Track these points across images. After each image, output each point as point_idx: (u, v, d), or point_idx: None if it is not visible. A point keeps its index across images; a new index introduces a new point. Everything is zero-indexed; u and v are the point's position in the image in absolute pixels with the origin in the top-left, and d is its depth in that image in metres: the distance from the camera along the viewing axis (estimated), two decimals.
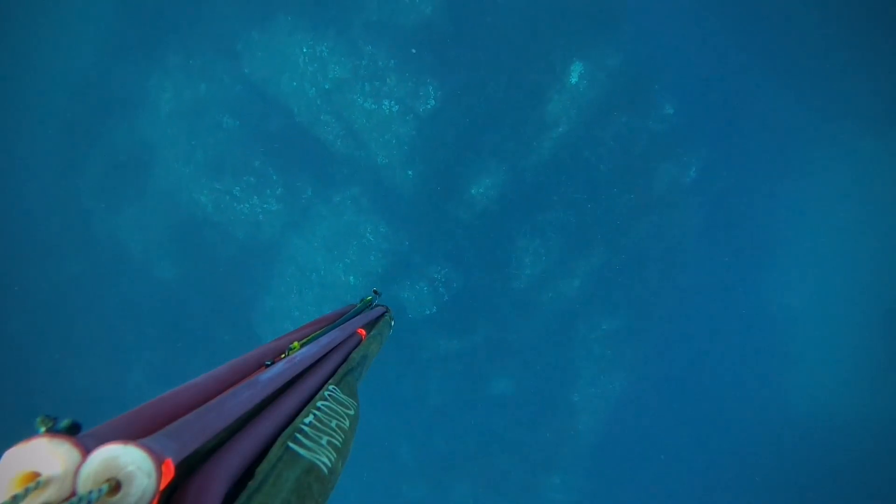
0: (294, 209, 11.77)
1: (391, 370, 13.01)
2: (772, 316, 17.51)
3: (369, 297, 2.28)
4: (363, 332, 1.95)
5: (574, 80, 11.42)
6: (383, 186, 11.98)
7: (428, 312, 12.36)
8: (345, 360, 1.67)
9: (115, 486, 0.66)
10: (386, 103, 11.18)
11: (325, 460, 1.12)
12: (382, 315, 2.27)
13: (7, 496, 0.63)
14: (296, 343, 1.45)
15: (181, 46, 11.20)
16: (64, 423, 0.73)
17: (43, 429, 0.70)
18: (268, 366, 1.28)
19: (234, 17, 11.17)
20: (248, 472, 0.98)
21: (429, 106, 11.21)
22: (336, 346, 1.67)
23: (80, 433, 0.73)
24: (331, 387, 1.42)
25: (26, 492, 0.62)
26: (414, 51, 11.02)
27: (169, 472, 0.70)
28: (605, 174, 11.92)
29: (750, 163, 15.43)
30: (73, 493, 0.66)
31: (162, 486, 0.68)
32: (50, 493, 0.65)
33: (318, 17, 11.00)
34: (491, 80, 11.00)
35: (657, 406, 14.13)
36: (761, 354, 16.98)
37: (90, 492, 0.63)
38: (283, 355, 1.37)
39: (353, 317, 1.96)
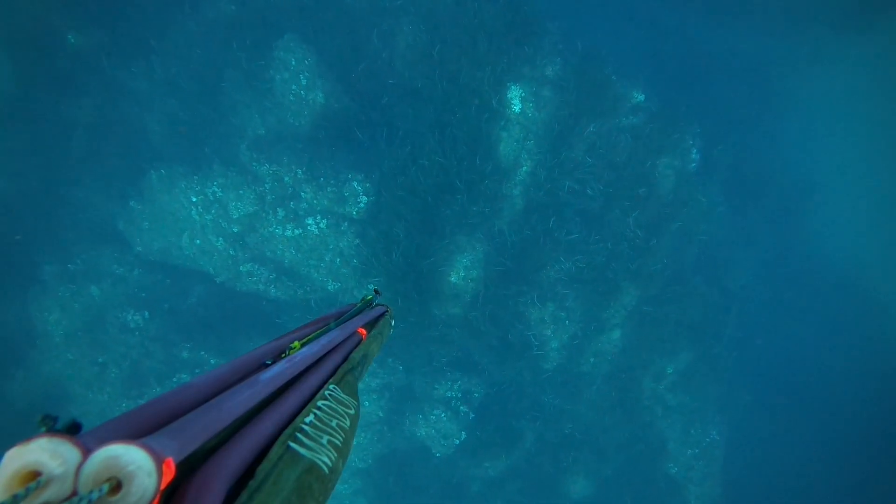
0: None
1: None
2: (845, 269, 14.86)
3: (370, 297, 2.12)
4: (363, 331, 1.86)
5: (517, 107, 9.26)
6: None
7: (457, 442, 9.75)
8: (345, 359, 1.61)
9: (116, 485, 0.65)
10: (310, 221, 8.98)
11: (326, 460, 1.09)
12: (383, 314, 2.12)
13: (7, 495, 0.63)
14: (296, 342, 1.42)
15: (53, 254, 9.11)
16: (64, 422, 0.73)
17: (43, 428, 0.70)
18: (268, 365, 1.26)
19: (100, 196, 9.14)
20: (248, 472, 0.95)
21: (361, 205, 9.00)
22: (336, 346, 1.62)
23: (80, 433, 0.72)
24: (331, 386, 1.38)
25: (27, 491, 0.61)
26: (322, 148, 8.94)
27: (170, 471, 0.70)
28: (598, 199, 9.58)
29: (746, 116, 13.18)
30: (74, 493, 0.66)
31: (163, 486, 0.67)
32: (51, 492, 0.65)
33: (195, 158, 8.96)
34: (422, 146, 8.83)
35: (772, 437, 11.26)
36: (853, 314, 14.18)
37: (91, 491, 0.63)
38: (283, 355, 1.35)
39: (354, 316, 1.87)
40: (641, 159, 9.61)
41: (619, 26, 12.77)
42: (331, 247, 9.14)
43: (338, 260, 9.23)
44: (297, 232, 8.99)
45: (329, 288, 9.43)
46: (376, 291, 2.22)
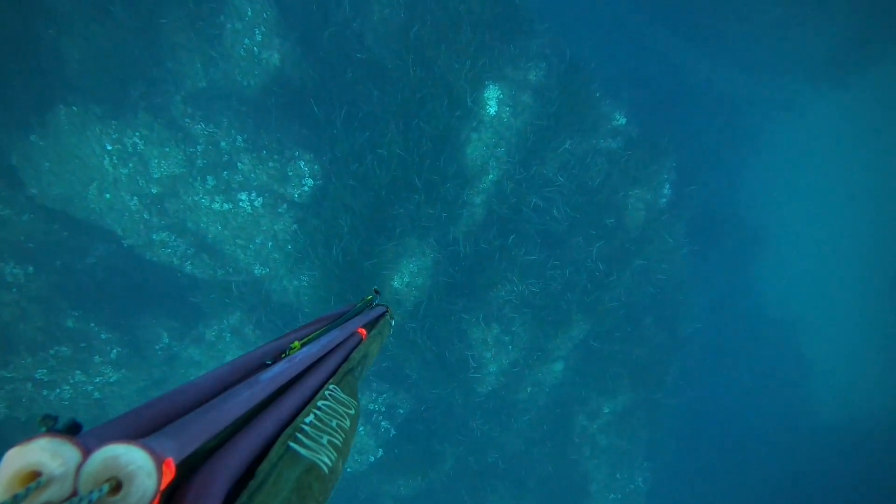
0: (146, 370, 8.22)
1: None
2: (781, 324, 15.02)
3: (370, 297, 2.09)
4: (363, 331, 1.83)
5: (492, 110, 8.47)
6: (272, 303, 8.63)
7: (372, 459, 8.94)
8: (345, 359, 1.58)
9: (116, 485, 0.64)
10: (243, 197, 7.88)
11: (326, 460, 1.08)
12: (383, 315, 2.11)
13: (8, 496, 0.61)
14: (296, 343, 1.40)
15: None
16: (64, 422, 0.72)
17: (44, 428, 0.69)
18: (268, 365, 1.24)
19: None
20: (248, 472, 0.93)
21: (305, 188, 7.98)
22: (336, 346, 1.60)
23: (80, 433, 0.71)
24: (331, 386, 1.37)
25: (27, 491, 0.60)
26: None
27: (170, 471, 0.69)
28: (564, 222, 8.95)
29: (717, 156, 12.93)
30: (75, 493, 0.64)
31: (163, 486, 0.66)
32: (51, 492, 0.63)
33: (117, 100, 7.65)
34: (383, 134, 7.90)
35: (694, 490, 11.09)
36: (781, 370, 14.34)
37: (91, 491, 0.61)
38: (283, 355, 1.34)
39: (354, 316, 1.85)
40: (615, 187, 9.05)
41: (608, 42, 12.19)
42: (263, 228, 8.09)
43: (270, 244, 8.18)
44: (226, 206, 7.87)
45: (255, 272, 8.39)
46: (376, 291, 2.15)
